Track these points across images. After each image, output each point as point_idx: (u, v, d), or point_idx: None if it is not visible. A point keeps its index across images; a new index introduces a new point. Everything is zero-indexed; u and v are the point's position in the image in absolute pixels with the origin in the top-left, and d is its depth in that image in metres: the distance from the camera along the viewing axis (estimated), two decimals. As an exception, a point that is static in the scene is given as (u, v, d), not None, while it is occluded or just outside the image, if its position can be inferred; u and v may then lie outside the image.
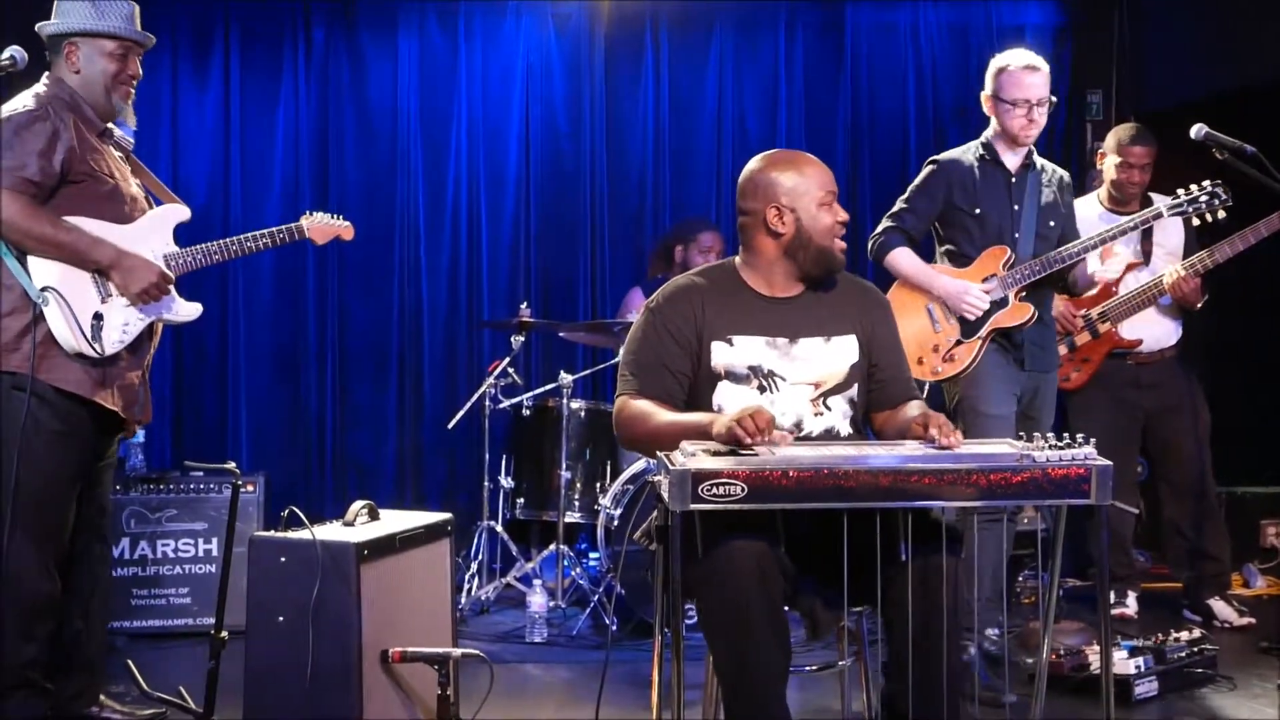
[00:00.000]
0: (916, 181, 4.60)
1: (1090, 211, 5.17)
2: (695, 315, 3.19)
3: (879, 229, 4.57)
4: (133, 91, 3.88)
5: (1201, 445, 5.35)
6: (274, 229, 4.15)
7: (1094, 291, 5.07)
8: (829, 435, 3.19)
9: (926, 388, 4.36)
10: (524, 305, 5.86)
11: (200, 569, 5.14)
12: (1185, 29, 6.63)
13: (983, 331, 4.41)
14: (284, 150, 6.81)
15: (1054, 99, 4.50)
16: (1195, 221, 4.56)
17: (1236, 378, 6.22)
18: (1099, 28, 7.14)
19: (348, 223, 4.38)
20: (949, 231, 4.56)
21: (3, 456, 3.55)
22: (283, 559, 3.40)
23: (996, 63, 4.52)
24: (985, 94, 4.53)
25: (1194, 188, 4.47)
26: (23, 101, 3.69)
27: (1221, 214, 4.50)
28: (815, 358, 3.21)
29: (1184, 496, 5.38)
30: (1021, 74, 4.43)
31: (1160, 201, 4.64)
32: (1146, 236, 5.25)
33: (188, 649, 4.84)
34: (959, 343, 4.43)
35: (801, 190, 3.21)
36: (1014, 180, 4.49)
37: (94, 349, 3.65)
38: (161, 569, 5.12)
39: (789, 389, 3.18)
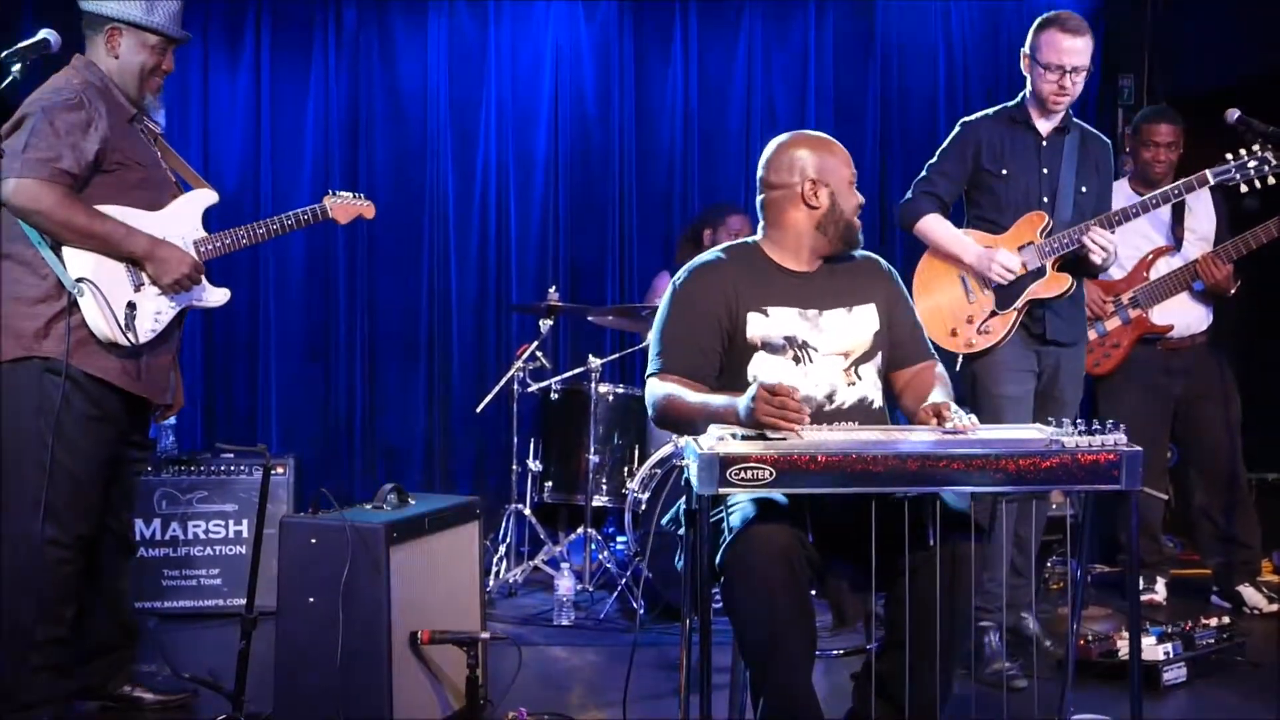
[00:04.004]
0: (945, 144, 4.44)
1: (1120, 197, 5.12)
2: (724, 289, 3.23)
3: (909, 194, 4.41)
4: (162, 86, 3.88)
5: (1232, 431, 5.32)
6: (298, 210, 4.16)
7: (1125, 275, 5.04)
8: (862, 404, 3.24)
9: (960, 361, 4.29)
10: (552, 289, 5.87)
11: (230, 550, 5.17)
12: (1218, 13, 6.55)
13: (1019, 303, 4.25)
14: (314, 134, 6.81)
15: (1090, 69, 4.30)
16: (1244, 189, 4.36)
17: (1268, 363, 6.17)
18: (1131, 12, 7.07)
19: (369, 202, 4.39)
20: (976, 194, 4.41)
21: (35, 441, 3.54)
22: (313, 540, 3.43)
23: (1040, 19, 4.33)
24: (1024, 50, 4.35)
25: (1243, 152, 4.29)
26: (55, 88, 3.63)
27: (1271, 180, 4.29)
28: (841, 328, 3.27)
29: (1214, 483, 5.35)
30: (1061, 38, 4.24)
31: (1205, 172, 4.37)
32: (1178, 221, 5.22)
33: (218, 630, 4.88)
34: (994, 314, 4.27)
35: (832, 168, 3.33)
36: (1044, 144, 4.33)
37: (128, 339, 3.63)
38: (192, 550, 5.15)
39: (821, 360, 3.22)
